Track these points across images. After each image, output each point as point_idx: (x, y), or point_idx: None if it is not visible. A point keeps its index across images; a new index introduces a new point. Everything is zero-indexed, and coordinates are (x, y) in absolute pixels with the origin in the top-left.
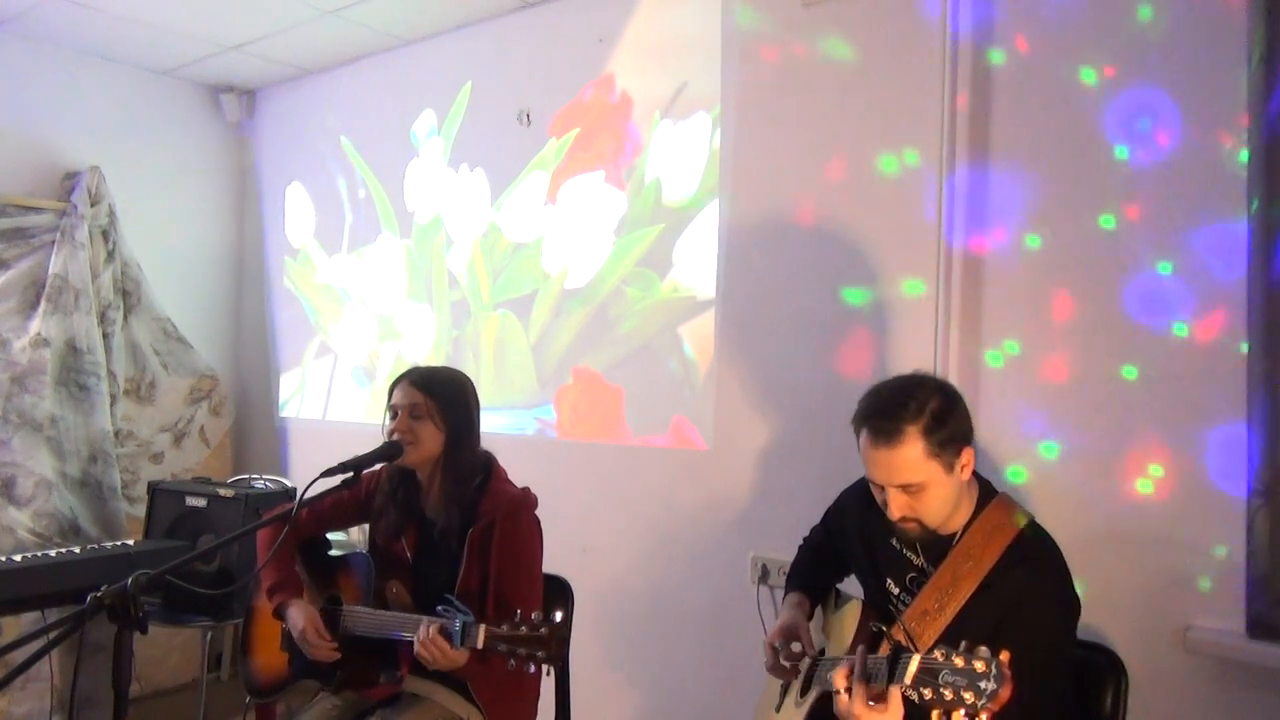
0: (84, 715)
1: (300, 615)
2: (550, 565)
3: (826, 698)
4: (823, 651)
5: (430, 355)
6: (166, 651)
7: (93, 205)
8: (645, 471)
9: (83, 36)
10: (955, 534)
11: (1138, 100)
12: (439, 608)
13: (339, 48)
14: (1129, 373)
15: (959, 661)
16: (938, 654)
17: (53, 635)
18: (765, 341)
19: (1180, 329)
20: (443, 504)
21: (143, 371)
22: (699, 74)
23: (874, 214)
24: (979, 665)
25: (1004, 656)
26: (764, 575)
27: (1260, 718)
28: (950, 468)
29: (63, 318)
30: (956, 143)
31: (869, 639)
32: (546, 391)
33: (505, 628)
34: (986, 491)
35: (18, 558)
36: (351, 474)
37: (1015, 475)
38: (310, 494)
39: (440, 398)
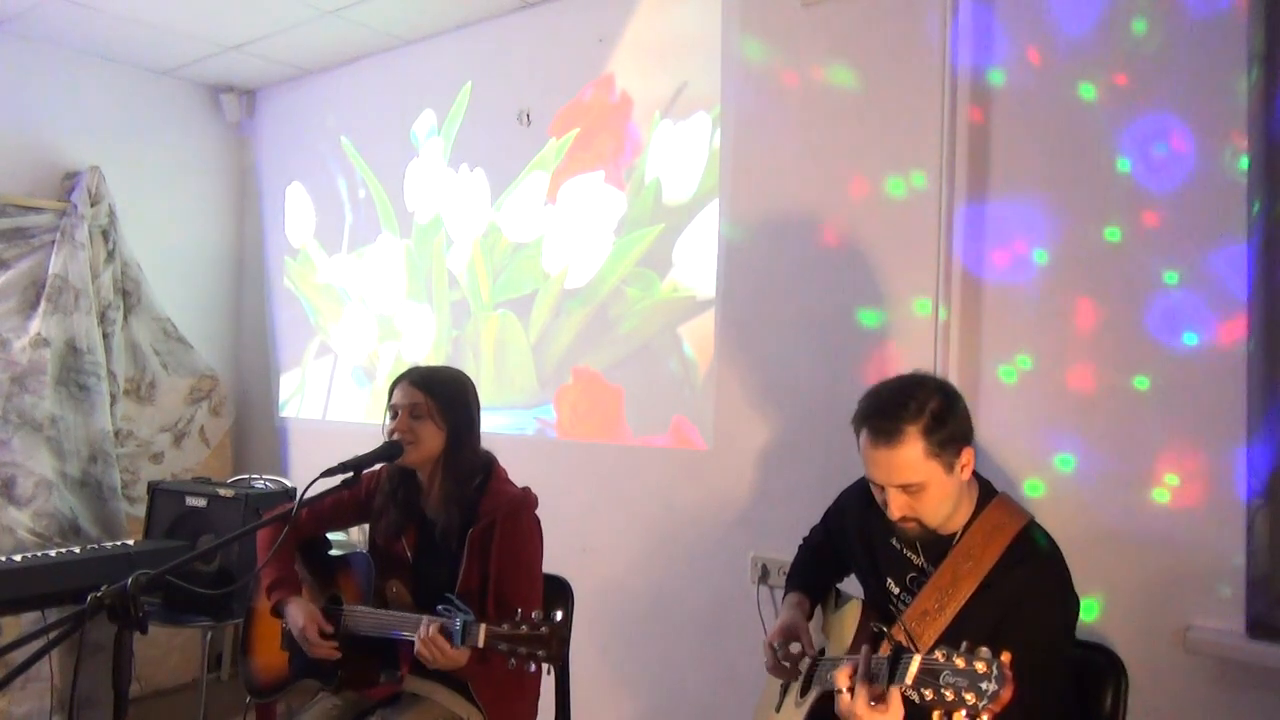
0: (84, 715)
1: (300, 612)
2: (550, 565)
3: (826, 698)
4: (823, 651)
5: (430, 355)
6: (166, 651)
7: (93, 205)
8: (645, 471)
9: (83, 36)
10: (955, 534)
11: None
12: (440, 607)
13: (339, 48)
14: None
15: (960, 662)
16: (939, 655)
17: (53, 635)
18: (765, 341)
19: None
20: (443, 504)
21: (143, 371)
22: (699, 74)
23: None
24: (980, 666)
25: (1005, 657)
26: (764, 575)
27: (1260, 718)
28: (950, 468)
29: (63, 318)
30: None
31: (870, 639)
32: (546, 391)
33: (506, 627)
34: (986, 491)
35: (18, 558)
36: (351, 474)
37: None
38: (310, 494)
39: (441, 397)
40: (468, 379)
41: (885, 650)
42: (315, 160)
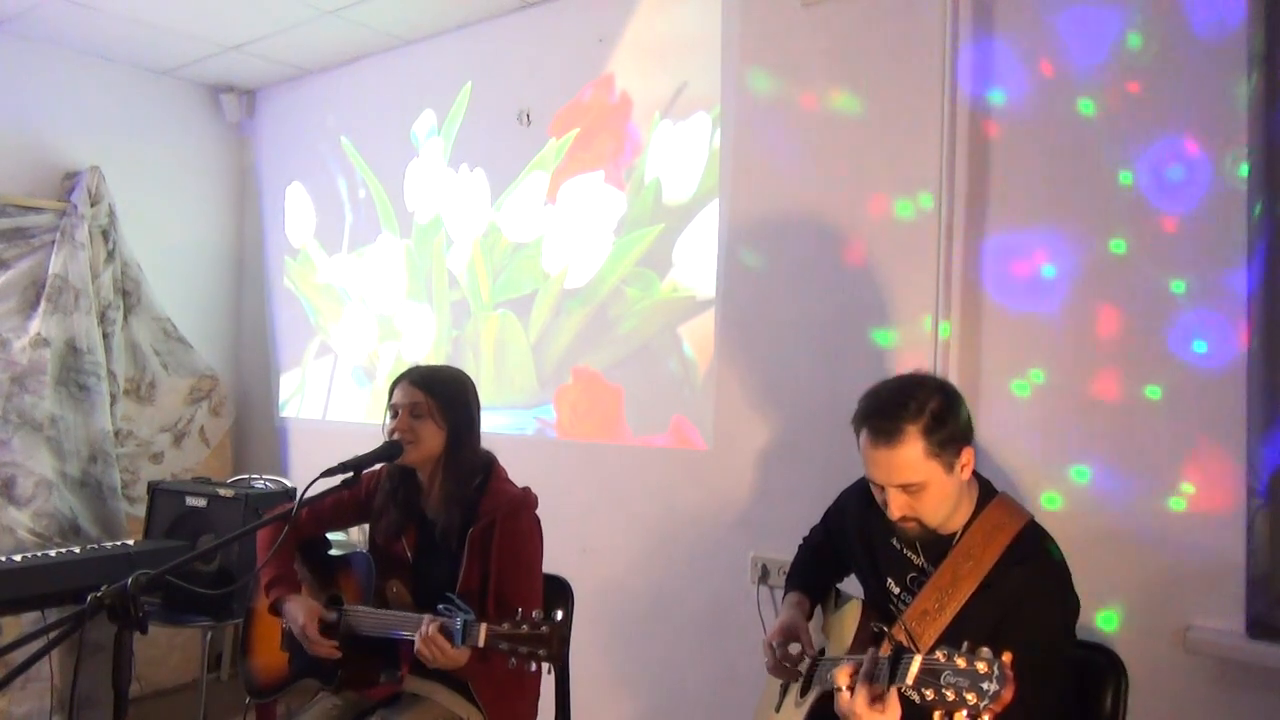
0: (84, 715)
1: (300, 609)
2: (550, 565)
3: (826, 698)
4: (823, 651)
5: (430, 355)
6: (166, 651)
7: (93, 205)
8: (645, 471)
9: (83, 36)
10: (955, 534)
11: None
12: (440, 606)
13: (339, 48)
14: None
15: (961, 662)
16: (939, 655)
17: (53, 635)
18: (765, 341)
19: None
20: (443, 503)
21: (143, 371)
22: (699, 74)
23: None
24: (981, 666)
25: (1006, 658)
26: (764, 575)
27: (1260, 718)
28: (950, 467)
29: (63, 318)
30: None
31: (870, 639)
32: (546, 391)
33: (506, 626)
34: (987, 491)
35: (18, 558)
36: (351, 474)
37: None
38: (310, 494)
39: (441, 397)
40: (468, 379)
41: (886, 650)
42: (315, 160)
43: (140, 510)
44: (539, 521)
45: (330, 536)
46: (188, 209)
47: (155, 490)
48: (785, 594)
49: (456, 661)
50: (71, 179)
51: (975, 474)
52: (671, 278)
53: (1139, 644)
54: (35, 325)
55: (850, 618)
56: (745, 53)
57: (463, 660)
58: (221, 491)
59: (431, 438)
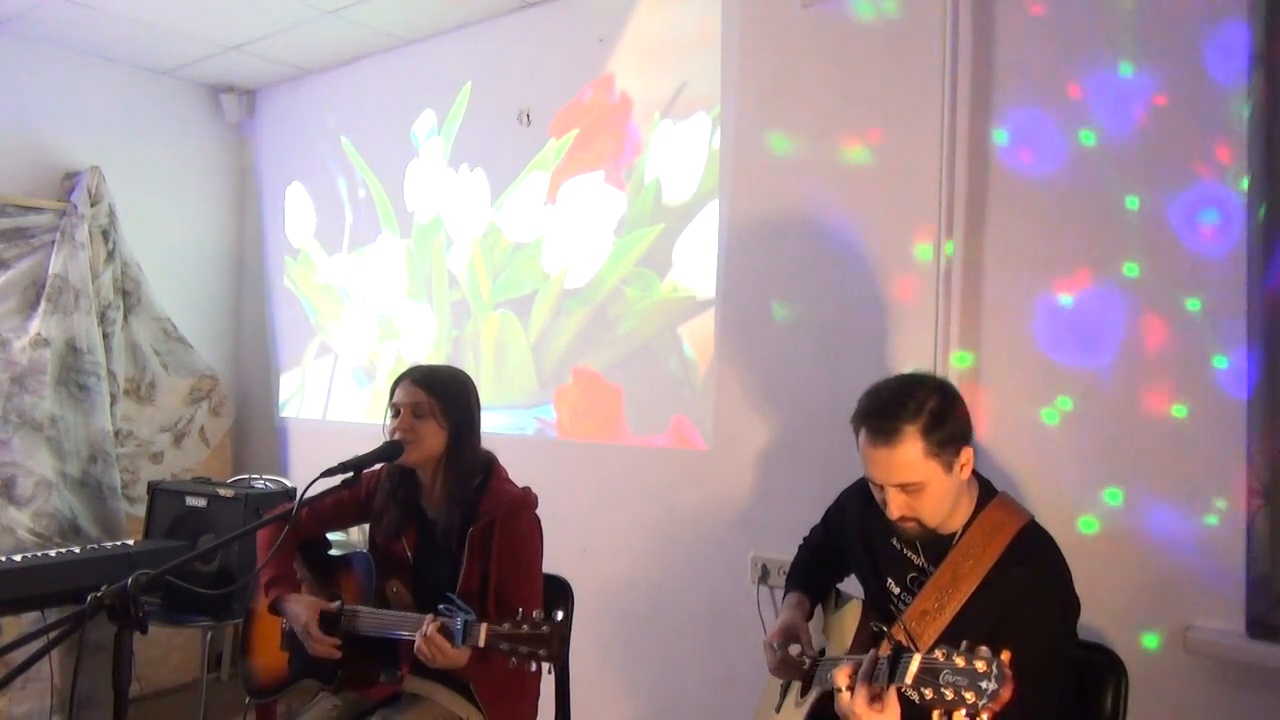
0: (84, 715)
1: (301, 608)
2: (550, 565)
3: (827, 698)
4: (823, 651)
5: (430, 355)
6: (166, 651)
7: (93, 205)
8: (645, 471)
9: (83, 36)
10: (955, 533)
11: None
12: (440, 606)
13: (339, 48)
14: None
15: (960, 661)
16: (939, 654)
17: (53, 635)
18: (765, 341)
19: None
20: (444, 503)
21: (143, 371)
22: (699, 74)
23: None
24: (980, 665)
25: (1005, 657)
26: (764, 575)
27: (1260, 718)
28: (949, 467)
29: (63, 318)
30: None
31: (870, 639)
32: (546, 391)
33: (507, 626)
34: (987, 491)
35: (18, 558)
36: (351, 474)
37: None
38: (310, 494)
39: (443, 396)
40: (469, 378)
41: (885, 650)
42: (315, 160)
43: (140, 510)
44: (539, 521)
45: (330, 536)
46: (188, 209)
47: (155, 490)
48: (785, 594)
49: (456, 662)
50: (71, 179)
51: (975, 474)
52: (671, 278)
53: (1139, 644)
54: (35, 325)
55: (850, 618)
56: (745, 53)
57: (463, 660)
58: (221, 491)
59: (433, 437)
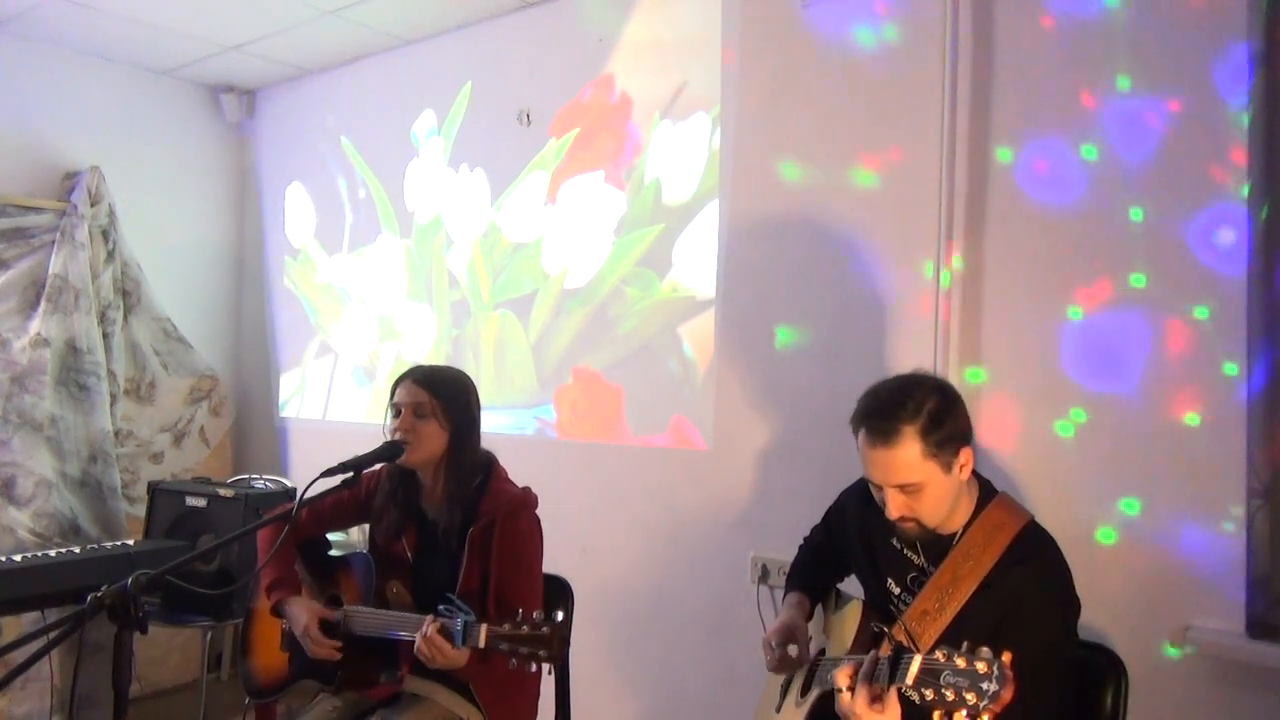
0: (84, 715)
1: (302, 611)
2: (550, 565)
3: (827, 698)
4: (823, 652)
5: (430, 355)
6: (166, 651)
7: (93, 205)
8: (645, 472)
9: (83, 36)
10: (955, 533)
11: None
12: (441, 607)
13: (339, 48)
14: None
15: (961, 662)
16: (939, 654)
17: (53, 635)
18: (765, 341)
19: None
20: (444, 503)
21: (143, 371)
22: (699, 74)
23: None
24: (981, 666)
25: (1006, 658)
26: (764, 575)
27: (1260, 718)
28: (948, 468)
29: (63, 318)
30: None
31: (870, 639)
32: (546, 391)
33: (507, 627)
34: (987, 491)
35: (18, 558)
36: (351, 474)
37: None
38: (310, 494)
39: (444, 396)
40: (469, 379)
41: (886, 650)
42: (315, 160)
43: (140, 510)
44: (539, 521)
45: (330, 536)
46: (188, 209)
47: (155, 490)
48: (785, 594)
49: (456, 662)
50: (71, 179)
51: (975, 474)
52: (671, 278)
53: (1139, 644)
54: (35, 325)
55: (850, 618)
56: (745, 53)
57: (463, 661)
58: (221, 491)
59: (434, 438)
